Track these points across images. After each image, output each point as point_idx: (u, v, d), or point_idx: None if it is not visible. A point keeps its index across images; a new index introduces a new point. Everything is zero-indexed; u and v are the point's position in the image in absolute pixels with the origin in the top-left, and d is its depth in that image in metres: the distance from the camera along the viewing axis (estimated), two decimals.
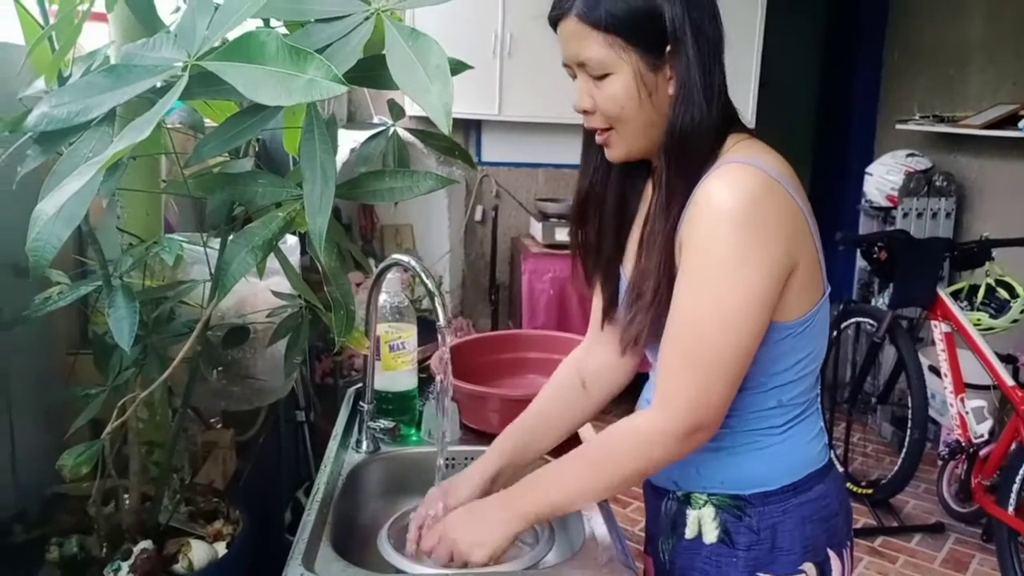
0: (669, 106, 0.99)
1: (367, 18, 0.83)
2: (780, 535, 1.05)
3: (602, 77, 0.98)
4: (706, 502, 1.08)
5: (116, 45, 1.21)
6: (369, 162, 1.13)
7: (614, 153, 1.05)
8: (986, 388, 2.85)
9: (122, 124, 0.78)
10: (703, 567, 1.08)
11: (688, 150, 0.98)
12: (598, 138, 1.05)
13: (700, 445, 1.00)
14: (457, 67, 0.90)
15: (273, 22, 0.98)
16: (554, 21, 1.01)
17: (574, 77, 1.03)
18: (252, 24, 0.93)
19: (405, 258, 1.21)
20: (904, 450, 3.00)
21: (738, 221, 0.92)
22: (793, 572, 1.05)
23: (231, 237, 0.99)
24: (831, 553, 1.08)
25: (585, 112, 1.03)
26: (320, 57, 0.68)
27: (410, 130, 1.19)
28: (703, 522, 1.08)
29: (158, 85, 0.78)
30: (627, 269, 1.12)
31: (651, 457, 1.01)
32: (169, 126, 1.17)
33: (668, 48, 0.96)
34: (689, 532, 1.10)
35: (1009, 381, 2.65)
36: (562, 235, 3.87)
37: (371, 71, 0.86)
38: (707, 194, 0.95)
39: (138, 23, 1.03)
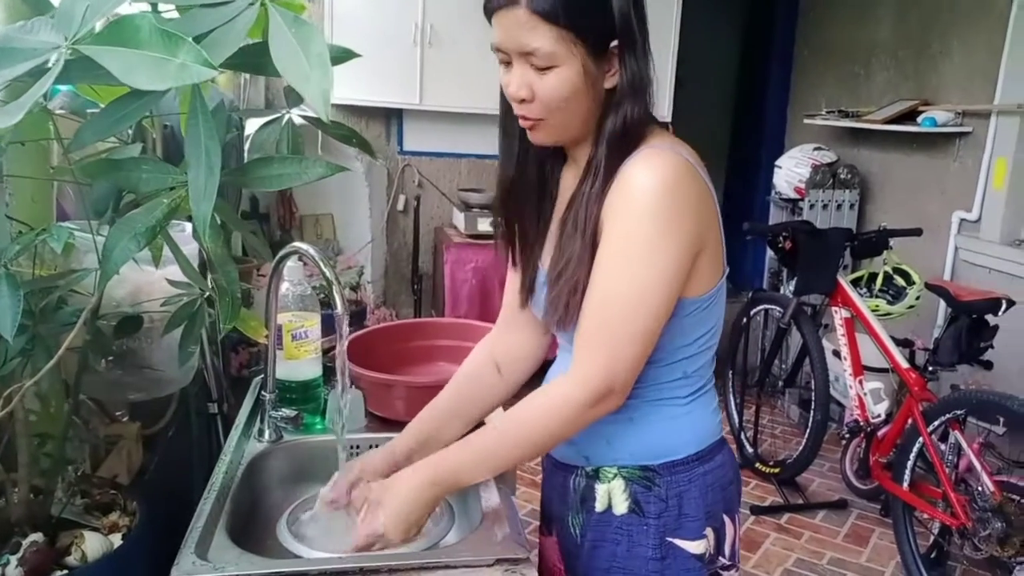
0: (603, 98, 1.02)
1: (252, 3, 0.83)
2: (686, 502, 1.10)
3: (546, 69, 0.98)
4: (615, 475, 1.12)
5: None
6: (263, 149, 1.12)
7: (541, 138, 1.05)
8: (884, 371, 2.99)
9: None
10: (615, 537, 1.12)
11: (629, 139, 1.02)
12: (524, 122, 1.04)
13: (608, 412, 1.02)
14: (342, 55, 0.90)
15: (164, 7, 0.97)
16: (494, 9, 0.98)
17: (506, 64, 1.01)
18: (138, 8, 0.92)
19: (304, 246, 1.21)
20: (808, 431, 3.13)
21: (657, 202, 0.98)
22: (698, 536, 1.11)
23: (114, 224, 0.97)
24: (726, 519, 1.15)
25: (522, 101, 1.01)
26: (191, 41, 0.68)
27: (305, 117, 1.18)
28: (613, 495, 1.12)
29: (42, 66, 0.77)
30: (545, 252, 1.14)
31: (561, 421, 1.02)
32: (53, 110, 1.14)
33: (614, 43, 0.99)
34: (599, 506, 1.14)
35: (904, 364, 2.78)
36: (484, 225, 3.89)
37: (256, 58, 0.86)
38: (630, 176, 0.99)
39: (24, 2, 1.01)
